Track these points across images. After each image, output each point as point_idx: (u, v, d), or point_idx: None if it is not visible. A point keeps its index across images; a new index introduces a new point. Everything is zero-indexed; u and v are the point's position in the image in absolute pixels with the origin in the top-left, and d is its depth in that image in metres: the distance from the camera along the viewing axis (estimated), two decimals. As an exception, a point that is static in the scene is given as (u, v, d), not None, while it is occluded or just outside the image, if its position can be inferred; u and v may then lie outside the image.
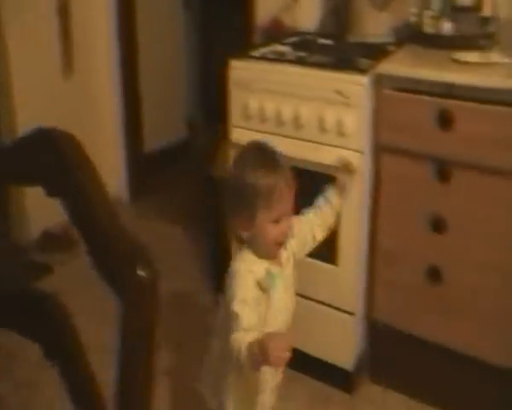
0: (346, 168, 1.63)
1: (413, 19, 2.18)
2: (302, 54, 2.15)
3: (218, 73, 2.22)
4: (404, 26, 2.22)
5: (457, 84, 1.79)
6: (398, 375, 2.08)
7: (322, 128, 1.95)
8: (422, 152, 1.87)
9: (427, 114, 1.83)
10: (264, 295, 1.44)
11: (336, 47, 2.26)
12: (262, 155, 1.45)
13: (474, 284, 1.86)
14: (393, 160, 1.93)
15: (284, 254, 1.52)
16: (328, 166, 1.94)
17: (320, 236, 1.61)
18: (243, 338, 1.29)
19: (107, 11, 3.34)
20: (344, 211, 1.96)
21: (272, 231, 1.42)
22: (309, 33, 2.45)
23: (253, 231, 1.43)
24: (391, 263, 1.99)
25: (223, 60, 2.14)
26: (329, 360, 2.11)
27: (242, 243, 1.47)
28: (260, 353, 1.21)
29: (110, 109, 3.48)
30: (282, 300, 1.50)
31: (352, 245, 1.99)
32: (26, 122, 2.65)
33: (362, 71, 1.91)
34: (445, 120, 1.80)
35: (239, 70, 2.12)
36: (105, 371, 1.03)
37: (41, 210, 2.40)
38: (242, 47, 2.41)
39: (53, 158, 0.88)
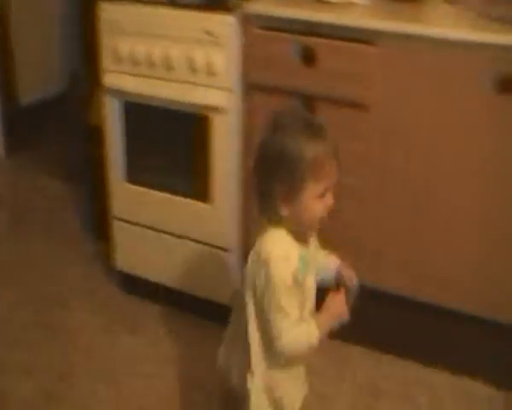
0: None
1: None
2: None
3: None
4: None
5: (318, 23, 1.86)
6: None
7: (193, 69, 1.98)
8: (289, 88, 1.94)
9: (292, 52, 1.90)
10: (298, 289, 1.33)
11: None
12: (307, 122, 1.31)
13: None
14: (262, 97, 1.99)
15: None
16: (200, 106, 2.00)
17: None
18: (304, 330, 1.32)
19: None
20: (216, 149, 2.03)
21: (318, 207, 1.29)
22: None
23: (295, 207, 1.28)
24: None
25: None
26: (209, 297, 2.18)
27: (277, 220, 1.30)
28: (332, 315, 1.32)
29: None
30: (312, 281, 1.41)
31: (225, 183, 2.05)
32: None
33: (229, 10, 1.94)
34: (308, 57, 1.88)
35: (108, 12, 2.08)
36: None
37: None
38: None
39: None
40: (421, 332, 2.05)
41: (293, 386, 1.46)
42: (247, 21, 1.95)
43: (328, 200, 1.29)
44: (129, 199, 2.23)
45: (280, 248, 1.29)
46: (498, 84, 1.70)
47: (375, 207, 1.96)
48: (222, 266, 2.14)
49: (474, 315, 1.93)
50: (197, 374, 2.04)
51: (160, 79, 2.04)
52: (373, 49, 1.81)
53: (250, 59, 1.97)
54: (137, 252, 2.27)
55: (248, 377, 1.39)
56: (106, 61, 2.12)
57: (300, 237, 1.33)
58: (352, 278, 1.44)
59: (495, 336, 1.95)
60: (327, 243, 1.47)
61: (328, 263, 1.47)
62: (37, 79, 3.69)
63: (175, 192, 2.13)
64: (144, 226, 2.22)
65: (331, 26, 1.85)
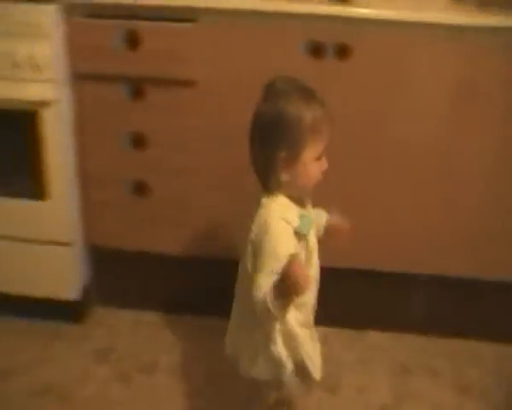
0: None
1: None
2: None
3: None
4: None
5: (141, 6, 1.87)
6: (126, 293, 2.19)
7: (15, 63, 1.90)
8: (117, 74, 1.93)
9: (116, 37, 1.89)
10: (301, 244, 1.33)
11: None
12: (302, 87, 1.32)
13: (180, 191, 2.02)
14: (91, 86, 1.96)
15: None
16: (27, 102, 1.94)
17: None
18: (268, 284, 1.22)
19: None
20: (48, 144, 1.97)
21: (315, 169, 1.32)
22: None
23: (295, 171, 1.29)
24: (100, 186, 2.05)
25: None
26: (54, 296, 2.10)
27: (275, 188, 1.31)
28: (287, 281, 1.18)
29: None
30: (315, 241, 1.40)
31: (61, 176, 1.99)
32: None
33: (49, 0, 1.91)
34: (133, 41, 1.89)
35: None
36: None
37: None
38: None
39: None
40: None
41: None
42: (70, 10, 1.92)
43: (324, 163, 1.33)
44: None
45: (279, 211, 1.30)
46: (312, 50, 1.82)
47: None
48: (66, 262, 2.07)
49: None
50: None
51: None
52: (194, 27, 1.86)
53: (75, 49, 1.94)
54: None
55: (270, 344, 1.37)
56: None
57: (298, 200, 1.35)
58: (341, 226, 1.48)
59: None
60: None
61: (320, 218, 1.48)
62: None
63: (10, 194, 2.03)
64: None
65: (153, 8, 1.87)
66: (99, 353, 2.04)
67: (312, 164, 1.31)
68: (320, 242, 1.45)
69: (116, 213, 2.07)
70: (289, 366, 1.40)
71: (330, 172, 1.37)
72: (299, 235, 1.31)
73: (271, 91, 1.31)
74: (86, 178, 2.05)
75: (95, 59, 1.94)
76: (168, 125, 1.96)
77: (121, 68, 1.93)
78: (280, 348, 1.38)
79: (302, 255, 1.33)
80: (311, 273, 1.37)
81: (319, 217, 1.49)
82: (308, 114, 1.26)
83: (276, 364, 1.40)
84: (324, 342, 1.90)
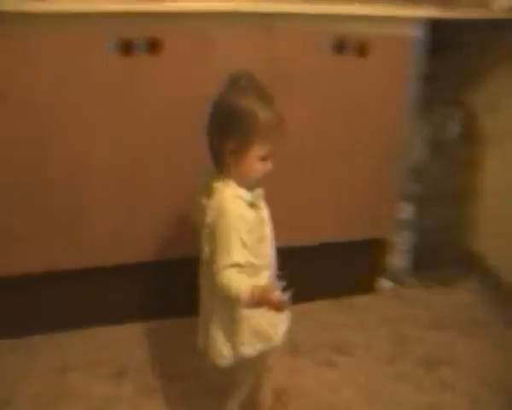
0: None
1: None
2: None
3: None
4: None
5: None
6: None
7: None
8: None
9: None
10: (256, 214, 1.41)
11: None
12: (263, 89, 1.38)
13: None
14: None
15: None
16: None
17: None
18: (243, 280, 1.33)
19: None
20: None
21: (258, 167, 1.39)
22: None
23: (240, 163, 1.37)
24: None
25: None
26: None
27: (227, 172, 1.39)
28: (262, 300, 1.31)
29: None
30: (268, 219, 1.48)
31: None
32: None
33: None
34: None
35: None
36: None
37: None
38: None
39: None
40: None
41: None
42: None
43: (268, 165, 1.39)
44: None
45: (232, 190, 1.38)
46: (121, 48, 1.77)
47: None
48: None
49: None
50: None
51: None
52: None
53: None
54: None
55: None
56: None
57: (247, 186, 1.41)
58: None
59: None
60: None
61: None
62: None
63: None
64: None
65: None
66: None
67: (257, 162, 1.38)
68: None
69: None
70: (249, 351, 1.49)
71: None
72: (254, 205, 1.41)
73: (234, 85, 1.37)
74: None
75: None
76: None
77: None
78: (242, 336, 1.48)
79: (257, 223, 1.43)
80: (265, 236, 1.47)
81: None
82: (262, 114, 1.33)
83: (238, 349, 1.49)
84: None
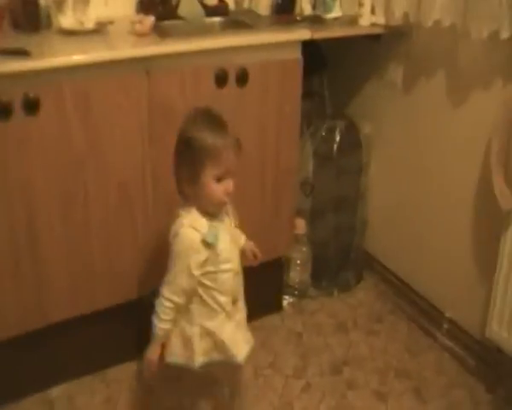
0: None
1: None
2: None
3: None
4: None
5: None
6: None
7: None
8: None
9: None
10: (210, 251, 1.52)
11: None
12: (212, 117, 1.52)
13: None
14: None
15: (224, 210, 1.59)
16: None
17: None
18: (168, 313, 1.55)
19: None
20: None
21: (216, 189, 1.49)
22: None
23: (197, 187, 1.49)
24: None
25: None
26: None
27: (186, 198, 1.52)
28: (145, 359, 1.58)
29: None
30: (231, 252, 1.59)
31: None
32: None
33: None
34: None
35: None
36: None
37: None
38: None
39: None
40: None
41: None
42: None
43: (228, 185, 1.50)
44: None
45: (189, 219, 1.50)
46: None
47: None
48: None
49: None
50: None
51: None
52: None
53: None
54: None
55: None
56: None
57: (213, 214, 1.54)
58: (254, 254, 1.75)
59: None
60: None
61: (239, 237, 1.71)
62: None
63: None
64: None
65: None
66: None
67: (212, 185, 1.49)
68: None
69: None
70: (199, 358, 1.60)
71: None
72: (206, 242, 1.50)
73: (188, 119, 1.53)
74: None
75: None
76: None
77: None
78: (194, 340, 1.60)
79: (212, 260, 1.53)
80: (226, 273, 1.57)
81: (238, 237, 1.71)
82: (209, 140, 1.46)
83: (188, 351, 1.61)
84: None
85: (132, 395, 2.09)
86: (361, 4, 2.21)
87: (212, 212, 1.54)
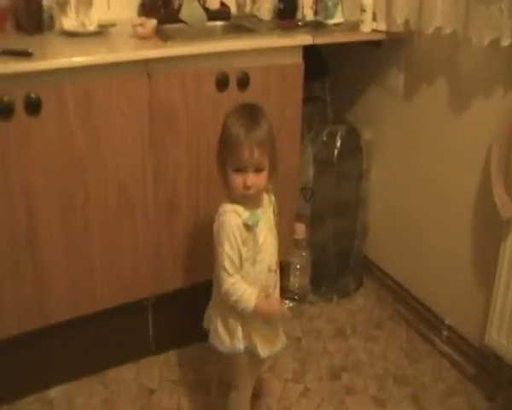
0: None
1: None
2: None
3: None
4: None
5: None
6: None
7: None
8: None
9: None
10: (250, 235, 1.59)
11: None
12: (248, 112, 1.57)
13: None
14: None
15: (266, 198, 1.68)
16: None
17: None
18: (246, 291, 1.58)
19: None
20: None
21: (237, 180, 1.54)
22: None
23: (225, 176, 1.57)
24: None
25: None
26: None
27: (223, 186, 1.60)
28: (264, 313, 1.60)
29: None
30: (268, 239, 1.65)
31: None
32: None
33: None
34: None
35: None
36: None
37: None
38: None
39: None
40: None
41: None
42: None
43: (245, 178, 1.54)
44: None
45: (230, 207, 1.58)
46: None
47: None
48: None
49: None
50: None
51: None
52: None
53: None
54: None
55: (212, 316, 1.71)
56: None
57: (245, 204, 1.59)
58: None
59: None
60: None
61: None
62: None
63: None
64: None
65: None
66: None
67: (232, 174, 1.55)
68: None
69: None
70: (240, 344, 1.66)
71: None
72: (247, 226, 1.57)
73: (233, 108, 1.60)
74: None
75: None
76: None
77: None
78: (234, 325, 1.65)
79: (250, 247, 1.60)
80: (260, 264, 1.63)
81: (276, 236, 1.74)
82: (234, 131, 1.53)
83: (231, 338, 1.66)
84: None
85: (131, 396, 2.08)
86: (362, 10, 2.22)
87: (244, 202, 1.60)
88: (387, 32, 2.24)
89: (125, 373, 2.17)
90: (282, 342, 1.77)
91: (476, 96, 2.01)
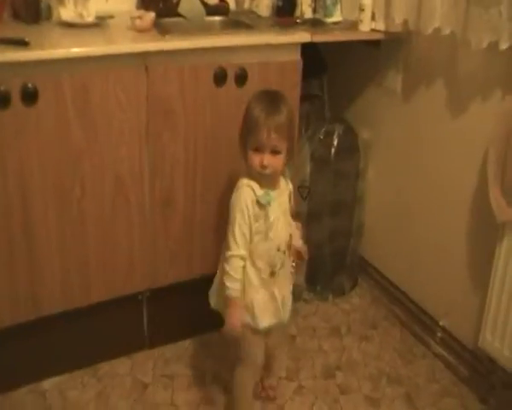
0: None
1: None
2: None
3: None
4: None
5: None
6: None
7: None
8: None
9: None
10: (262, 212, 1.67)
11: None
12: (270, 97, 1.67)
13: None
14: None
15: (283, 182, 1.77)
16: None
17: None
18: (238, 281, 1.68)
19: None
20: None
21: (255, 159, 1.64)
22: None
23: (245, 153, 1.67)
24: None
25: None
26: None
27: (245, 164, 1.68)
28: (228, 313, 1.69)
29: None
30: (280, 220, 1.73)
31: None
32: None
33: None
34: None
35: None
36: None
37: None
38: None
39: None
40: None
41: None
42: None
43: (264, 159, 1.63)
44: None
45: (247, 181, 1.67)
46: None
47: None
48: None
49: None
50: None
51: None
52: None
53: None
54: None
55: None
56: None
57: (262, 183, 1.68)
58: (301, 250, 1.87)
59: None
60: None
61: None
62: None
63: None
64: None
65: None
66: None
67: (251, 153, 1.65)
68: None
69: None
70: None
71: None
72: (260, 203, 1.66)
73: (257, 93, 1.70)
74: None
75: None
76: None
77: None
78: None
79: (261, 223, 1.68)
80: (271, 241, 1.72)
81: (290, 222, 1.82)
82: (256, 112, 1.63)
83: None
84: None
85: (124, 390, 2.07)
86: (361, 10, 2.22)
87: (260, 181, 1.68)
88: (386, 32, 2.24)
89: (119, 367, 2.16)
90: (283, 315, 1.83)
91: (474, 98, 2.01)
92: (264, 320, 1.76)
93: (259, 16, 2.40)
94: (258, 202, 1.67)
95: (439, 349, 2.29)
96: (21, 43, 1.67)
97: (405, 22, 2.13)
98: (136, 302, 2.15)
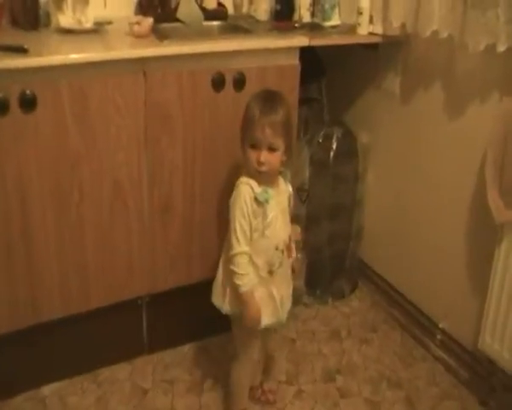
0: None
1: None
2: None
3: None
4: None
5: None
6: None
7: None
8: None
9: None
10: (260, 209, 1.69)
11: None
12: (268, 96, 1.72)
13: None
14: None
15: (282, 183, 1.80)
16: None
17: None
18: (247, 275, 1.69)
19: None
20: None
21: (252, 156, 1.67)
22: None
23: (243, 152, 1.70)
24: None
25: None
26: None
27: (244, 162, 1.71)
28: (246, 307, 1.71)
29: None
30: (278, 219, 1.75)
31: None
32: None
33: None
34: None
35: None
36: None
37: None
38: None
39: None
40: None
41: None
42: None
43: (261, 155, 1.66)
44: None
45: (245, 179, 1.70)
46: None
47: None
48: None
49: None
50: None
51: None
52: None
53: None
54: None
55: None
56: None
57: (266, 182, 1.71)
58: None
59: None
60: None
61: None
62: None
63: None
64: None
65: None
66: None
67: (248, 150, 1.68)
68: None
69: None
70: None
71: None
72: (258, 201, 1.68)
73: (257, 93, 1.75)
74: None
75: None
76: None
77: None
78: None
79: (259, 220, 1.70)
80: (268, 239, 1.73)
81: (288, 222, 1.85)
82: (253, 110, 1.67)
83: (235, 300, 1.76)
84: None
85: (124, 396, 2.07)
86: (359, 13, 2.22)
87: (258, 178, 1.70)
88: (384, 35, 2.24)
89: (119, 372, 2.16)
90: (282, 315, 1.83)
91: (472, 100, 2.02)
92: (263, 319, 1.77)
93: (258, 21, 2.41)
94: (256, 200, 1.69)
95: (439, 352, 2.29)
96: (20, 50, 1.67)
97: (403, 25, 2.14)
98: (135, 307, 2.15)
